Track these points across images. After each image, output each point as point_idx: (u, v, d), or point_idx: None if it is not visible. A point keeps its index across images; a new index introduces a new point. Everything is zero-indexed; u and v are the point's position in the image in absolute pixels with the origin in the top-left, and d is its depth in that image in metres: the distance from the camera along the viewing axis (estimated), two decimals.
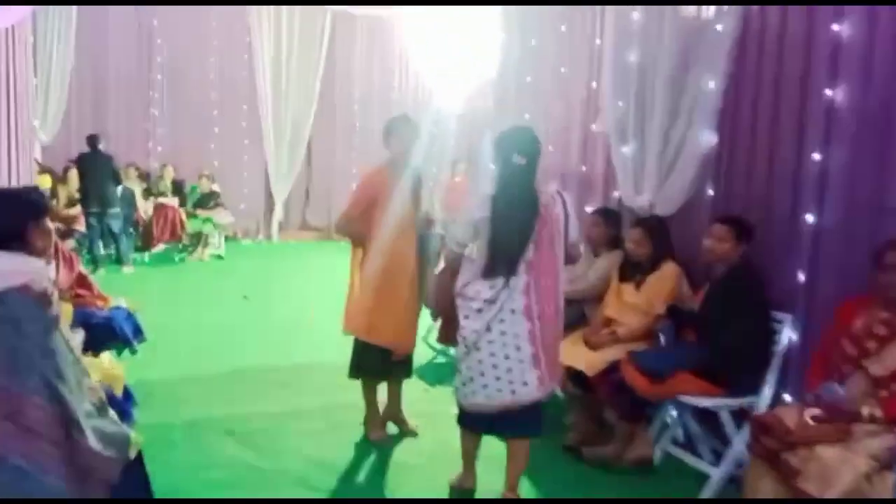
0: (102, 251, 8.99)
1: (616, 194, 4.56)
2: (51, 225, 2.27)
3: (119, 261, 8.95)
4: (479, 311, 3.01)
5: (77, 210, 9.08)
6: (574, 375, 3.71)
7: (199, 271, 9.40)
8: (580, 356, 3.70)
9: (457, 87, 13.10)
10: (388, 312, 3.69)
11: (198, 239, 9.99)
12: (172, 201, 10.29)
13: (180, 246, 10.13)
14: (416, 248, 3.81)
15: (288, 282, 8.81)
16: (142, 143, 11.34)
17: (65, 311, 4.02)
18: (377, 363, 3.79)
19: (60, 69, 10.34)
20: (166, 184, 10.61)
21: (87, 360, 2.95)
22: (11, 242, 2.12)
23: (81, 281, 4.27)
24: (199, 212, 10.01)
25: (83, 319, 4.04)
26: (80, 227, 9.02)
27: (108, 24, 10.87)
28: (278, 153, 12.09)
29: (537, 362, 3.02)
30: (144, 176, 10.81)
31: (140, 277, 8.75)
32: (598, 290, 4.09)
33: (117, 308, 4.32)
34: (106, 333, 4.09)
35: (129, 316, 4.33)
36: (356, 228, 3.75)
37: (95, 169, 8.63)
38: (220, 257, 10.26)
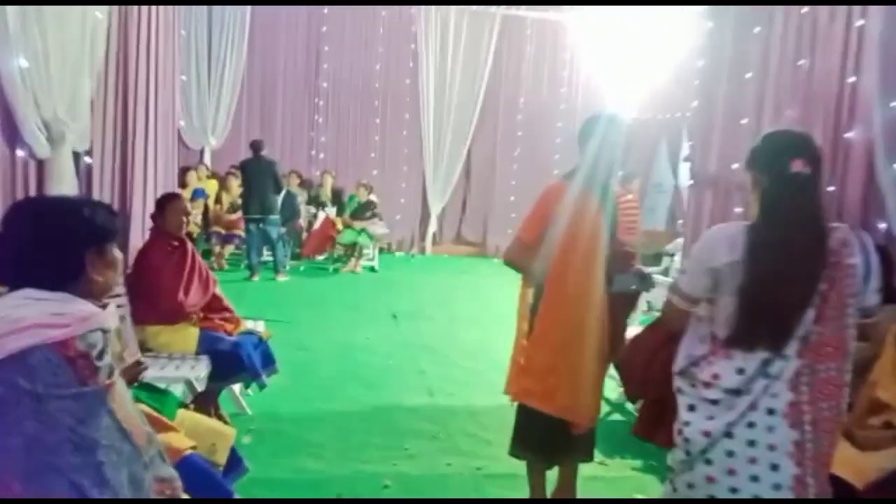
0: (259, 258, 8.86)
1: (882, 225, 3.35)
2: (118, 254, 1.61)
3: (275, 268, 8.76)
4: (716, 403, 2.03)
5: (238, 215, 9.04)
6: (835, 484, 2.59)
7: (351, 284, 9.02)
8: (844, 458, 2.57)
9: (630, 93, 11.96)
10: (567, 374, 2.77)
11: (352, 250, 9.65)
12: (330, 210, 10.08)
13: (334, 256, 9.86)
14: (607, 290, 2.87)
15: (440, 301, 8.15)
16: (305, 151, 11.28)
17: (190, 335, 3.54)
18: (549, 439, 2.86)
19: (232, 74, 10.51)
20: (326, 192, 10.43)
21: (184, 418, 2.32)
22: (67, 281, 1.49)
23: (213, 304, 3.77)
24: (356, 223, 9.66)
25: (209, 345, 3.52)
26: (241, 232, 8.95)
27: (278, 31, 10.92)
28: (437, 163, 11.59)
29: (802, 488, 1.98)
30: (306, 183, 10.72)
31: (292, 287, 8.49)
32: (866, 359, 2.92)
33: (248, 333, 3.78)
34: (232, 363, 3.55)
35: (260, 343, 3.78)
36: (531, 261, 2.85)
37: (257, 174, 8.49)
38: (373, 269, 9.87)
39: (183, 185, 9.80)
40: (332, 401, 4.50)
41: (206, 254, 9.51)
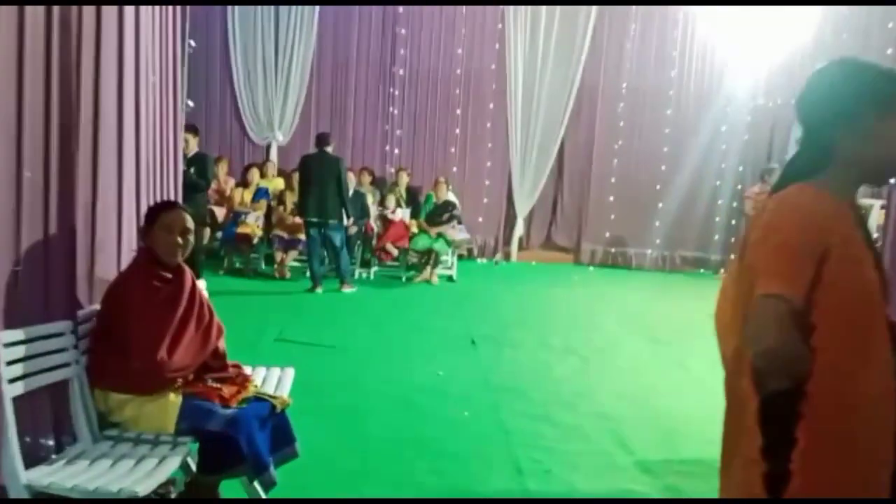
0: (323, 266, 7.86)
1: None
2: None
3: (339, 279, 7.73)
4: None
5: None
6: None
7: (424, 296, 7.88)
8: None
9: (753, 71, 10.25)
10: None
11: (427, 257, 8.51)
12: (404, 212, 8.98)
13: (408, 263, 8.75)
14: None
15: (529, 320, 6.88)
16: (378, 146, 10.23)
17: (168, 406, 2.45)
18: None
19: (301, 62, 9.60)
20: (401, 191, 9.35)
21: None
22: None
23: (211, 364, 2.67)
24: (433, 229, 8.51)
25: (195, 421, 2.42)
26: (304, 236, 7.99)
27: (350, 14, 9.90)
28: (525, 159, 10.28)
29: None
30: (378, 182, 9.68)
31: (357, 300, 7.44)
32: None
33: (256, 401, 2.65)
34: (225, 449, 2.44)
35: (271, 416, 2.64)
36: (798, 347, 1.47)
37: (319, 172, 7.49)
38: (450, 279, 8.70)
39: (245, 183, 8.97)
40: (380, 481, 3.31)
41: (268, 259, 8.65)
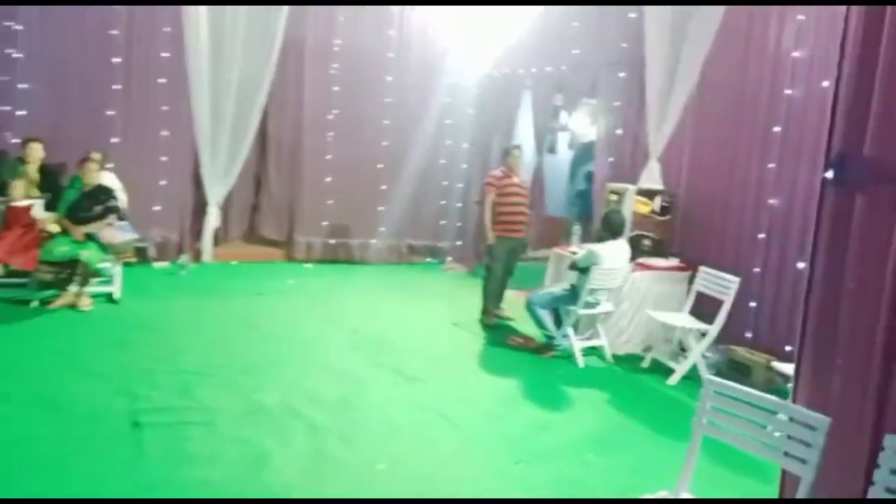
0: None
1: None
2: None
3: None
4: None
5: None
6: None
7: (62, 335, 5.24)
8: None
9: (480, 41, 9.24)
10: None
11: (72, 270, 5.80)
12: (37, 203, 6.07)
13: (39, 280, 5.89)
14: None
15: (228, 363, 4.78)
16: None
17: None
18: None
19: None
20: (31, 172, 6.35)
21: None
22: None
23: None
24: (78, 228, 5.82)
25: None
26: None
27: None
28: (217, 130, 7.92)
29: None
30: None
31: None
32: None
33: None
34: None
35: None
36: None
37: None
38: (111, 300, 6.11)
39: None
40: None
41: None
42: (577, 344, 5.53)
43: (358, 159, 8.87)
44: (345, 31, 8.66)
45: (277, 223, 8.74)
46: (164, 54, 7.58)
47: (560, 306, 5.60)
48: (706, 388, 2.37)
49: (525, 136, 8.72)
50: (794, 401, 2.14)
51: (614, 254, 5.41)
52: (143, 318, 5.72)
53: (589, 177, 12.72)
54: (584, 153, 13.57)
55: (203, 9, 7.52)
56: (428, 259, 9.45)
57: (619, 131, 7.01)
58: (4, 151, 6.69)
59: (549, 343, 5.58)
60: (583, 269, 5.42)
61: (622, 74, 7.02)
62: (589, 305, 5.49)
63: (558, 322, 5.64)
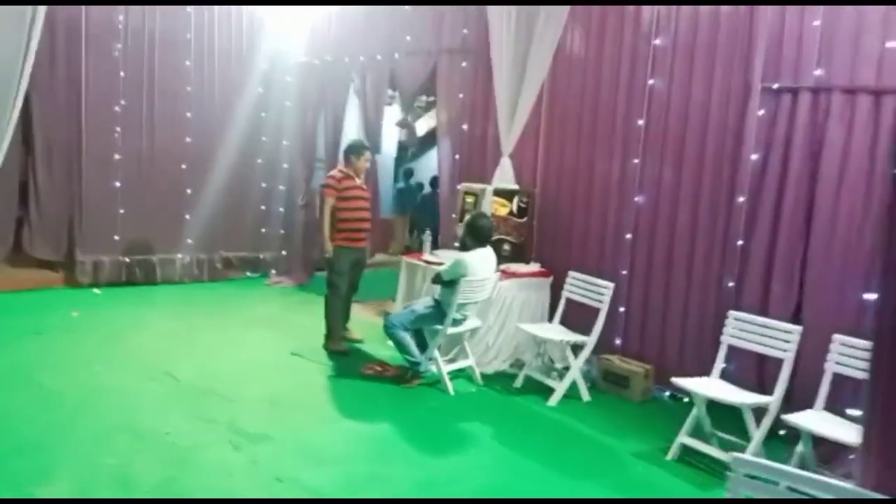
0: None
1: None
2: None
3: None
4: None
5: None
6: None
7: None
8: None
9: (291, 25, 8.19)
10: None
11: None
12: None
13: None
14: None
15: (2, 432, 3.43)
16: None
17: None
18: None
19: None
20: None
21: None
22: None
23: None
24: None
25: None
26: None
27: None
28: None
29: None
30: None
31: None
32: None
33: None
34: None
35: None
36: None
37: None
38: None
39: None
40: None
41: None
42: (445, 368, 4.83)
43: (154, 159, 7.42)
44: (130, 7, 7.16)
45: (52, 240, 7.01)
46: None
47: (424, 326, 4.85)
48: (735, 469, 1.74)
49: (353, 130, 7.88)
50: (862, 483, 1.59)
51: (483, 263, 4.78)
52: None
53: (408, 174, 12.25)
54: (404, 149, 13.06)
55: None
56: (248, 274, 8.23)
57: (465, 126, 6.41)
58: None
59: (415, 370, 4.81)
60: (448, 282, 4.73)
61: (465, 64, 6.43)
62: (456, 322, 4.82)
63: (421, 344, 4.89)
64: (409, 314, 4.83)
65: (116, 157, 7.17)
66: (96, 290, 6.97)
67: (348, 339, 5.68)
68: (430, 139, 11.52)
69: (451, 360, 5.06)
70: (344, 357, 5.36)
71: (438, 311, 4.79)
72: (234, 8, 7.87)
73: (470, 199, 5.65)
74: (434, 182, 10.36)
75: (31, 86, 6.37)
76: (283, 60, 8.18)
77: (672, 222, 4.95)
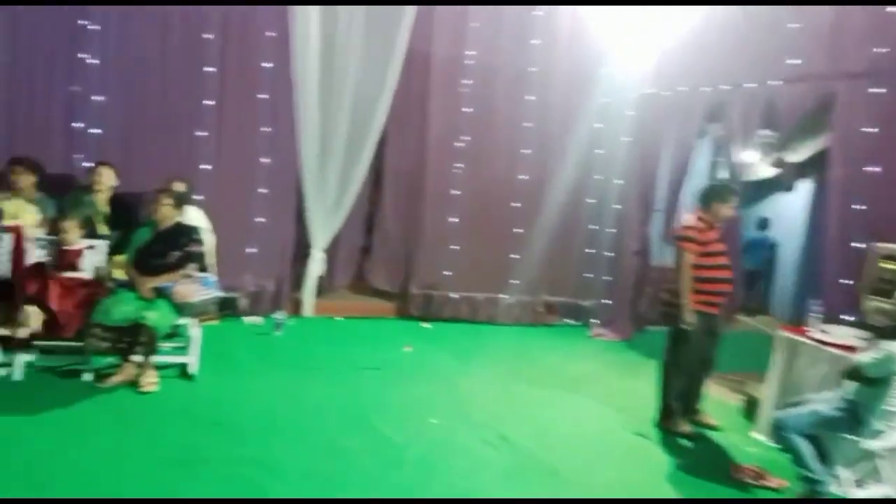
0: None
1: None
2: None
3: None
4: None
5: None
6: None
7: (101, 436, 3.79)
8: None
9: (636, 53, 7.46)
10: None
11: (134, 336, 4.36)
12: (98, 245, 4.73)
13: (92, 348, 4.47)
14: None
15: (339, 477, 3.19)
16: (59, 121, 5.78)
17: None
18: None
19: None
20: (100, 203, 5.08)
21: None
22: None
23: None
24: (146, 281, 4.43)
25: None
26: None
27: None
28: (324, 155, 6.52)
29: None
30: (58, 186, 5.32)
31: None
32: None
33: None
34: None
35: None
36: None
37: None
38: (185, 375, 4.67)
39: None
40: None
41: None
42: (854, 492, 3.58)
43: (489, 196, 7.23)
44: (479, 39, 7.09)
45: (390, 271, 7.19)
46: (265, 64, 6.23)
47: (827, 433, 3.67)
48: None
49: (702, 171, 6.87)
50: None
51: None
52: (220, 407, 4.22)
53: (762, 224, 10.47)
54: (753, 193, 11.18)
55: (315, 9, 6.16)
56: (567, 321, 7.64)
57: (879, 168, 5.00)
58: (72, 177, 5.48)
59: (812, 487, 3.64)
60: (871, 380, 3.49)
61: (875, 91, 5.06)
62: (874, 433, 3.54)
63: (819, 453, 3.70)
64: (809, 416, 3.68)
65: (454, 192, 7.12)
66: (426, 325, 6.93)
67: (699, 423, 4.68)
68: (772, 181, 9.81)
69: (859, 483, 3.76)
70: (695, 443, 4.39)
71: (851, 417, 3.57)
72: (574, 37, 7.41)
73: (891, 266, 4.27)
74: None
75: (389, 119, 6.59)
76: (624, 93, 7.50)
77: None
